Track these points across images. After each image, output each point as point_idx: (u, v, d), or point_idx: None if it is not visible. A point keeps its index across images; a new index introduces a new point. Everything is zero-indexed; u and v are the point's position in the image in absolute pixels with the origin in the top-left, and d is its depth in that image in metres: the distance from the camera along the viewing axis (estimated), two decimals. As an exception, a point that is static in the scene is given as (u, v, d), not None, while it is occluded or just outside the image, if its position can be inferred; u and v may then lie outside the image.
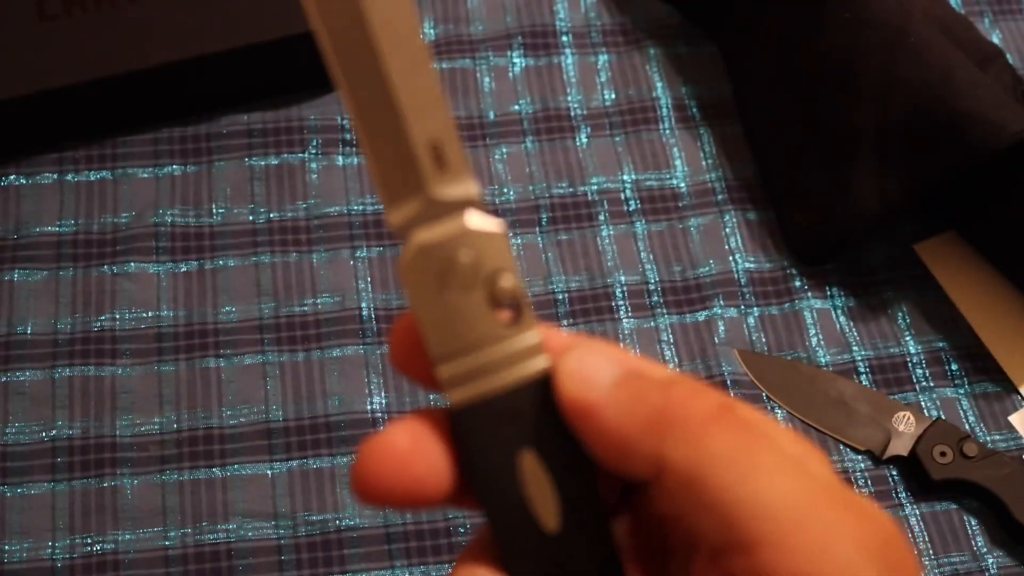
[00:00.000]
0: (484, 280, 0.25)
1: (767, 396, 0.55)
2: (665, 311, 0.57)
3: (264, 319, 0.56)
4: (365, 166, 0.22)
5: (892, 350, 0.56)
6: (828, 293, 0.58)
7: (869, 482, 0.53)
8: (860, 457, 0.54)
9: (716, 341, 0.56)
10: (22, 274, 0.56)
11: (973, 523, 0.52)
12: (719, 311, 0.57)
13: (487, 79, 0.63)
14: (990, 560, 0.52)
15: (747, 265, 0.58)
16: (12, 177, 0.59)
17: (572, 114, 0.62)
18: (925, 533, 0.52)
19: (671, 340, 0.56)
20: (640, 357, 0.28)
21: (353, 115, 0.24)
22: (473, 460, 0.26)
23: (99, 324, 0.55)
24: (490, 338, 0.25)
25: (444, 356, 0.25)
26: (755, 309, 0.57)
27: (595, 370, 0.26)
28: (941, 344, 0.57)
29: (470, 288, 0.25)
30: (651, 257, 0.58)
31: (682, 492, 0.25)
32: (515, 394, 0.26)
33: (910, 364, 0.56)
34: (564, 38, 0.64)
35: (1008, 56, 0.63)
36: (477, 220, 0.25)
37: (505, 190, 0.60)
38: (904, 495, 0.53)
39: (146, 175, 0.59)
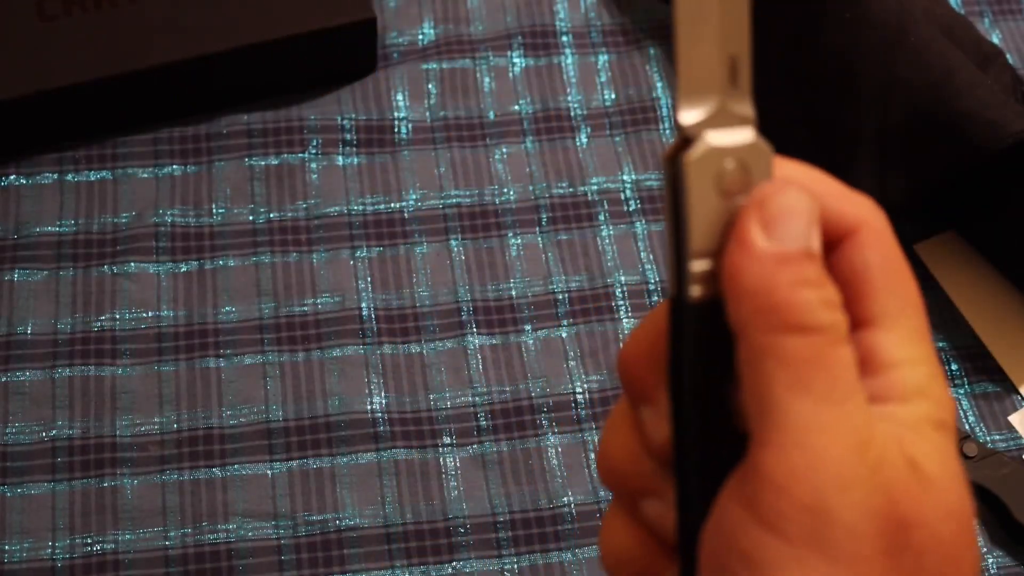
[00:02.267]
0: (750, 192, 0.27)
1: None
2: (665, 311, 0.57)
3: (264, 319, 0.56)
4: (675, 62, 0.25)
5: (892, 350, 0.56)
6: (828, 293, 0.58)
7: (869, 482, 0.53)
8: (860, 457, 0.54)
9: (716, 341, 0.56)
10: (22, 274, 0.56)
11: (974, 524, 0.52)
12: (719, 311, 0.57)
13: (487, 79, 0.63)
14: (990, 560, 0.52)
15: (747, 265, 0.58)
16: (12, 177, 0.59)
17: (572, 114, 0.62)
18: (925, 533, 0.52)
19: (671, 340, 0.56)
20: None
21: (677, 18, 0.27)
22: (685, 357, 0.28)
23: (99, 324, 0.55)
24: None
25: (701, 252, 0.27)
26: (755, 309, 0.57)
27: (779, 219, 0.27)
28: (941, 344, 0.57)
29: (738, 196, 0.27)
30: (651, 257, 0.58)
31: (743, 367, 0.27)
32: None
33: (910, 364, 0.56)
34: (564, 38, 0.64)
35: (1008, 56, 0.63)
36: (757, 138, 0.28)
37: (505, 190, 0.60)
38: (904, 495, 0.53)
39: (146, 175, 0.59)
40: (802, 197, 0.27)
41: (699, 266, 0.27)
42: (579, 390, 0.55)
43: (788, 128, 0.59)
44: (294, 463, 0.52)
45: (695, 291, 0.27)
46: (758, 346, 0.26)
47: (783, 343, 0.26)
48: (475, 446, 0.53)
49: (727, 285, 0.27)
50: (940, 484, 0.26)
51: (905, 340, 0.28)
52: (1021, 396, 0.55)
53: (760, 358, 0.26)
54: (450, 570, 0.51)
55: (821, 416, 0.25)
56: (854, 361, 0.26)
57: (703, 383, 0.28)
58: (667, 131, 0.62)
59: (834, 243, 0.28)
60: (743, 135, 0.28)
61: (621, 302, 0.57)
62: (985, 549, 0.52)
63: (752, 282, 0.26)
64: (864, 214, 0.29)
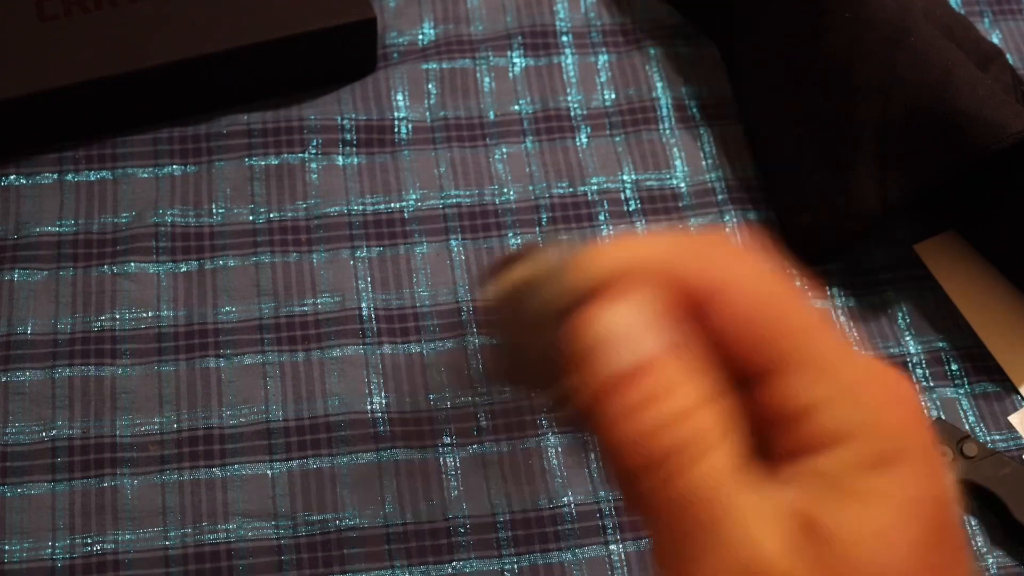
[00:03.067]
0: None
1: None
2: (665, 311, 0.57)
3: (264, 319, 0.56)
4: None
5: (892, 350, 0.56)
6: (828, 293, 0.58)
7: (869, 482, 0.53)
8: (860, 457, 0.54)
9: (716, 341, 0.56)
10: (22, 274, 0.56)
11: (973, 523, 0.52)
12: (719, 311, 0.57)
13: (487, 79, 0.63)
14: (990, 560, 0.52)
15: (747, 265, 0.58)
16: (12, 177, 0.59)
17: (572, 114, 0.62)
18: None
19: (671, 340, 0.56)
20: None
21: None
22: None
23: (99, 324, 0.55)
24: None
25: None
26: (755, 309, 0.57)
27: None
28: (941, 344, 0.57)
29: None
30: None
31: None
32: None
33: (910, 364, 0.56)
34: (564, 38, 0.64)
35: (1008, 56, 0.63)
36: None
37: (505, 190, 0.60)
38: (904, 495, 0.53)
39: (146, 175, 0.59)
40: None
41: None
42: (579, 390, 0.55)
43: (788, 128, 0.59)
44: (294, 463, 0.52)
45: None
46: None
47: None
48: (475, 446, 0.53)
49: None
50: (850, 549, 0.26)
51: (815, 379, 0.28)
52: (1021, 396, 0.55)
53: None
54: (450, 570, 0.51)
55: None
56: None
57: None
58: (667, 131, 0.62)
59: (701, 306, 0.28)
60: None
61: (621, 302, 0.57)
62: (985, 549, 0.52)
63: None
64: (719, 277, 0.29)
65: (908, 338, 0.57)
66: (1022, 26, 0.65)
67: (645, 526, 0.27)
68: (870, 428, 0.27)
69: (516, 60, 0.64)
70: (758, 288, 0.29)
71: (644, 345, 0.27)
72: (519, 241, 0.59)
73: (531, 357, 0.28)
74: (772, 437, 0.28)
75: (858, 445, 0.27)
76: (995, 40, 0.65)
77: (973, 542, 0.52)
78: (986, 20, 0.66)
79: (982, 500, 0.53)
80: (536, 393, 0.27)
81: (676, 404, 0.27)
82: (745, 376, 0.29)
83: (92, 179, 0.59)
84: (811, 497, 0.26)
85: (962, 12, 0.65)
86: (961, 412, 0.55)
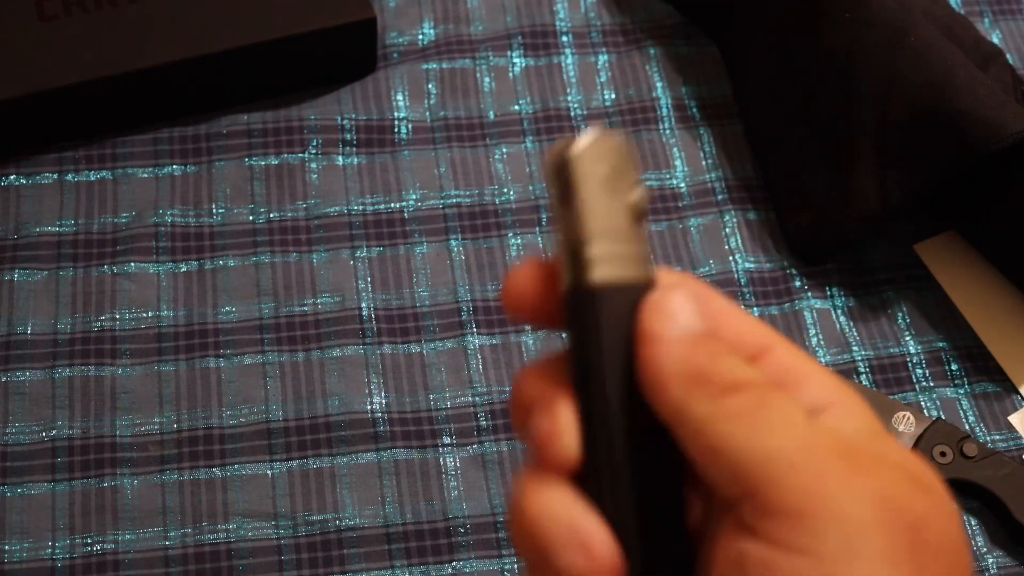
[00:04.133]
0: (632, 186, 0.29)
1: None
2: (665, 311, 0.57)
3: (264, 319, 0.56)
4: None
5: (892, 350, 0.56)
6: (828, 293, 0.58)
7: (869, 482, 0.53)
8: (860, 457, 0.54)
9: (716, 341, 0.56)
10: (22, 274, 0.56)
11: (973, 523, 0.52)
12: (719, 311, 0.57)
13: (487, 79, 0.63)
14: (990, 560, 0.52)
15: (747, 265, 0.58)
16: (12, 177, 0.59)
17: (572, 114, 0.62)
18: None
19: (671, 340, 0.56)
20: (735, 312, 0.30)
21: None
22: (593, 341, 0.28)
23: (99, 324, 0.55)
24: (630, 236, 0.29)
25: (597, 234, 0.29)
26: (755, 309, 0.57)
27: (677, 313, 0.28)
28: (941, 344, 0.57)
29: (624, 189, 0.29)
30: (651, 257, 0.58)
31: (695, 443, 0.28)
32: (641, 290, 0.29)
33: (910, 364, 0.56)
34: (564, 38, 0.64)
35: (1008, 56, 0.63)
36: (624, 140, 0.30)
37: (505, 190, 0.60)
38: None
39: (146, 175, 0.59)
40: (686, 291, 0.29)
41: (598, 249, 0.28)
42: (579, 390, 0.55)
43: (788, 128, 0.59)
44: (294, 463, 0.52)
45: (597, 274, 0.28)
46: (703, 416, 0.27)
47: (727, 404, 0.27)
48: (475, 446, 0.53)
49: (649, 381, 0.28)
50: (931, 485, 0.27)
51: (796, 349, 0.30)
52: (1021, 396, 0.55)
53: (710, 425, 0.27)
54: (450, 570, 0.51)
55: (794, 445, 0.27)
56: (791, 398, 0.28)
57: (620, 368, 0.28)
58: (667, 131, 0.62)
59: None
60: (615, 137, 0.29)
61: (621, 302, 0.57)
62: (985, 549, 0.52)
63: (677, 365, 0.28)
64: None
65: (908, 338, 0.57)
66: (1022, 26, 0.65)
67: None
68: (857, 403, 0.29)
69: (516, 60, 0.64)
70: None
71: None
72: (519, 241, 0.59)
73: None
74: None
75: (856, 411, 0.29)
76: (995, 40, 0.65)
77: (973, 542, 0.52)
78: (986, 20, 0.66)
79: (982, 500, 0.53)
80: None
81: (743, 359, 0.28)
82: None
83: (92, 179, 0.59)
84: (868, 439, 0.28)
85: (962, 12, 0.65)
86: (961, 412, 0.55)
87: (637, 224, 0.29)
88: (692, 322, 0.28)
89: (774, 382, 0.29)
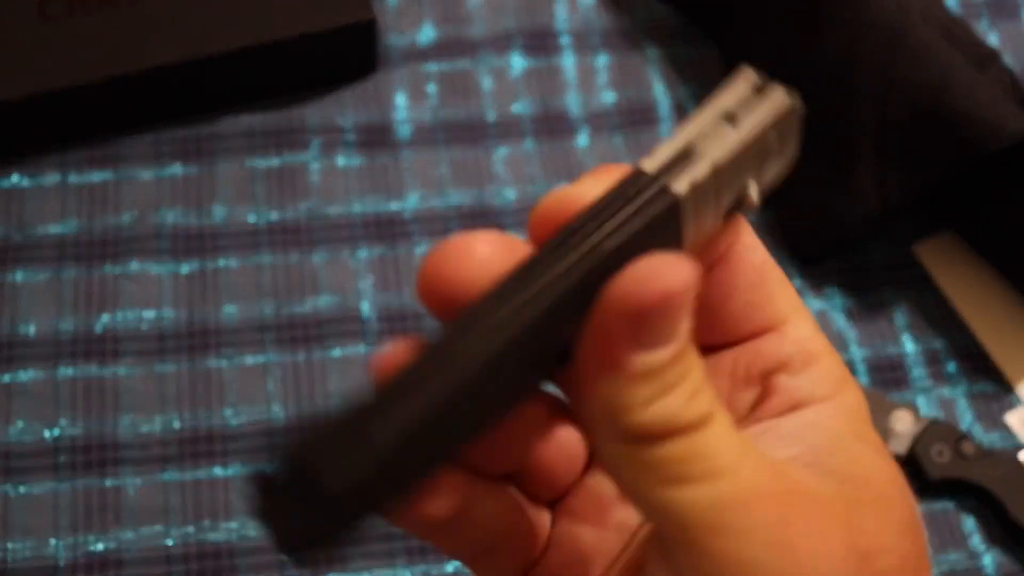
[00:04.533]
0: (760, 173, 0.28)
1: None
2: (664, 311, 0.57)
3: (265, 319, 0.56)
4: None
5: (890, 350, 0.57)
6: (826, 293, 0.58)
7: (867, 481, 0.54)
8: (858, 456, 0.54)
9: (715, 341, 0.56)
10: (25, 274, 0.56)
11: (970, 522, 0.53)
12: (718, 311, 0.57)
13: (487, 79, 0.63)
14: (987, 559, 0.52)
15: (746, 265, 0.59)
16: (14, 178, 0.59)
17: (572, 115, 0.62)
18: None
19: (670, 340, 0.56)
20: (760, 275, 0.28)
21: None
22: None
23: (101, 324, 0.55)
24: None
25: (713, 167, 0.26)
26: (754, 309, 0.57)
27: (658, 323, 0.24)
28: (939, 344, 0.57)
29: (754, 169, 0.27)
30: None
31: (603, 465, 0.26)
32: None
33: (908, 364, 0.56)
34: (564, 38, 0.65)
35: (1006, 58, 0.64)
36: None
37: (505, 191, 0.60)
38: (902, 494, 0.53)
39: (148, 176, 0.59)
40: (678, 286, 0.24)
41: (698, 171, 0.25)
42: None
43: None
44: (295, 462, 0.53)
45: (681, 185, 0.25)
46: (620, 457, 0.25)
47: (650, 453, 0.24)
48: (475, 445, 0.54)
49: (583, 394, 0.25)
50: (886, 494, 0.26)
51: (816, 330, 0.29)
52: (1018, 396, 0.56)
53: (626, 468, 0.25)
54: (450, 569, 0.51)
55: (719, 500, 0.24)
56: (731, 425, 0.25)
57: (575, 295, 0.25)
58: (667, 131, 0.62)
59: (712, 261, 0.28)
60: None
61: (620, 302, 0.57)
62: (982, 548, 0.52)
63: (609, 403, 0.24)
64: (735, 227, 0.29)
65: (906, 338, 0.57)
66: (1020, 27, 0.65)
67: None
68: (855, 384, 0.28)
69: (516, 61, 0.64)
70: (760, 243, 0.29)
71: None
72: (519, 241, 0.59)
73: None
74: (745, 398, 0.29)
75: (857, 393, 0.28)
76: (993, 41, 0.65)
77: (970, 541, 0.52)
78: (984, 22, 0.66)
79: (979, 499, 0.53)
80: None
81: (696, 376, 0.25)
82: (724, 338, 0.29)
83: (94, 180, 0.59)
84: (831, 448, 0.27)
85: (960, 14, 0.65)
86: (958, 412, 0.55)
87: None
88: (661, 340, 0.24)
89: (778, 337, 0.28)
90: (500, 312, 0.24)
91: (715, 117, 0.26)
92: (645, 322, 0.24)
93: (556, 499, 0.30)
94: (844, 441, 0.27)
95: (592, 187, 0.26)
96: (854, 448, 0.27)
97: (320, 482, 0.22)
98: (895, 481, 0.27)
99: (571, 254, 0.24)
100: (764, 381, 0.29)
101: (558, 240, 0.24)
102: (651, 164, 0.25)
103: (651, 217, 0.25)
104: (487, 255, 0.25)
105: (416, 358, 0.23)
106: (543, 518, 0.30)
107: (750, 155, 0.27)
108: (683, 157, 0.26)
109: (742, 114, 0.26)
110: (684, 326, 0.24)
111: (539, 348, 0.25)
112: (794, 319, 0.29)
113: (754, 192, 0.27)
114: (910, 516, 0.26)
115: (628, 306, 0.24)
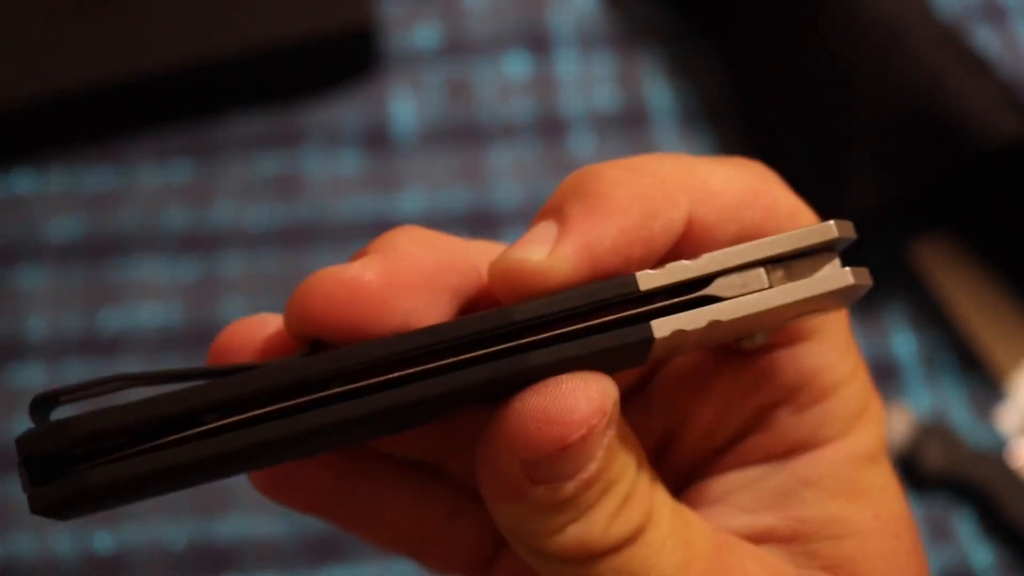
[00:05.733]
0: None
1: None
2: (662, 311, 0.58)
3: (266, 319, 0.56)
4: None
5: (885, 349, 0.57)
6: (823, 293, 0.58)
7: (862, 480, 0.54)
8: (853, 455, 0.54)
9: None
10: (28, 274, 0.57)
11: (963, 521, 0.53)
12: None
13: (487, 80, 0.63)
14: (979, 558, 0.52)
15: (743, 265, 0.59)
16: (19, 178, 0.59)
17: (571, 116, 0.63)
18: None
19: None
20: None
21: None
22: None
23: (104, 324, 0.56)
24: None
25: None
26: (751, 309, 0.58)
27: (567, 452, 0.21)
28: (934, 343, 0.57)
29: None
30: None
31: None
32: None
33: (902, 363, 0.57)
34: (564, 39, 0.65)
35: (999, 62, 0.64)
36: None
37: (505, 191, 0.60)
38: (896, 493, 0.54)
39: (151, 176, 0.60)
40: (580, 425, 0.20)
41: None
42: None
43: (786, 128, 0.59)
44: (295, 461, 0.53)
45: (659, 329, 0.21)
46: (544, 571, 0.22)
47: (573, 574, 0.21)
48: (473, 444, 0.54)
49: (488, 509, 0.22)
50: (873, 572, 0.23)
51: (844, 352, 0.25)
52: (1012, 395, 0.56)
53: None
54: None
55: None
56: (670, 531, 0.22)
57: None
58: (667, 131, 0.62)
59: None
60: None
61: (618, 302, 0.58)
62: (976, 548, 0.52)
63: (517, 529, 0.22)
64: None
65: (900, 337, 0.57)
66: (1013, 32, 0.66)
67: None
68: (876, 414, 0.25)
69: (516, 62, 0.64)
70: None
71: None
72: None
73: None
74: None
75: (870, 432, 0.25)
76: (987, 46, 0.65)
77: (964, 540, 0.53)
78: (979, 26, 0.66)
79: (973, 500, 0.53)
80: None
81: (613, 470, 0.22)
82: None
83: (98, 180, 0.60)
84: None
85: (955, 17, 0.65)
86: (953, 411, 0.55)
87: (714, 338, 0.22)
88: (569, 472, 0.21)
89: (793, 355, 0.23)
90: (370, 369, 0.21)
91: (757, 258, 0.22)
92: (539, 464, 0.21)
93: None
94: (835, 508, 0.24)
95: (563, 265, 0.21)
96: (846, 517, 0.24)
97: (69, 424, 0.22)
98: (891, 564, 0.24)
99: (497, 345, 0.21)
100: (762, 412, 0.25)
101: (496, 318, 0.21)
102: (648, 281, 0.21)
103: (611, 347, 0.21)
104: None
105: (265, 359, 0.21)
106: (486, 517, 0.27)
107: (773, 319, 0.22)
108: (692, 287, 0.22)
109: (791, 273, 0.22)
110: (599, 452, 0.21)
111: (400, 419, 0.21)
112: (823, 337, 0.25)
113: (761, 340, 0.23)
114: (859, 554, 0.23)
115: (520, 448, 0.20)
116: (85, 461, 0.21)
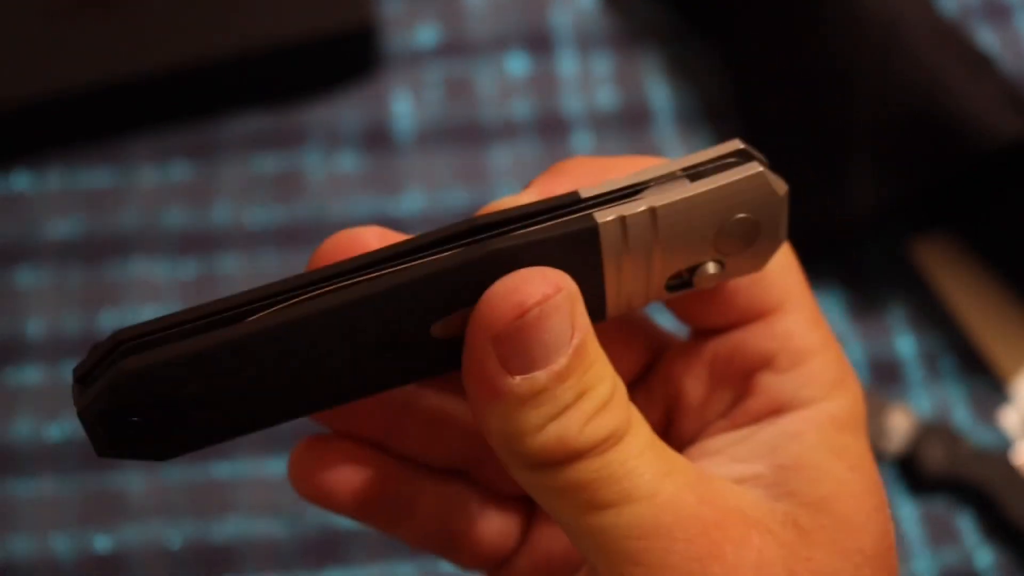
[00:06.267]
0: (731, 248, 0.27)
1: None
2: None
3: (266, 319, 0.56)
4: None
5: (886, 349, 0.57)
6: (822, 292, 0.58)
7: (863, 480, 0.54)
8: (854, 455, 0.54)
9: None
10: (28, 274, 0.57)
11: (965, 521, 0.53)
12: (716, 311, 0.57)
13: (487, 80, 0.63)
14: (981, 558, 0.52)
15: (744, 265, 0.59)
16: (19, 178, 0.59)
17: (571, 115, 0.63)
18: (917, 532, 0.53)
19: (668, 339, 0.57)
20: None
21: None
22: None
23: (104, 323, 0.56)
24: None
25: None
26: (751, 309, 0.58)
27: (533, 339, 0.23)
28: (935, 343, 0.57)
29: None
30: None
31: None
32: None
33: (904, 363, 0.57)
34: (564, 38, 0.65)
35: (1000, 61, 0.64)
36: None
37: (505, 191, 0.60)
38: (897, 494, 0.54)
39: (150, 176, 0.60)
40: (537, 299, 0.23)
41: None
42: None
43: (786, 128, 0.60)
44: (295, 461, 0.53)
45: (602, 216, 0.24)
46: (532, 484, 0.24)
47: (556, 479, 0.23)
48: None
49: (479, 422, 0.24)
50: (850, 521, 0.24)
51: (813, 323, 0.27)
52: (1014, 395, 0.56)
53: (542, 495, 0.24)
54: (451, 568, 0.51)
55: (638, 527, 0.23)
56: (648, 443, 0.24)
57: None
58: (667, 131, 0.62)
59: None
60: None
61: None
62: (977, 548, 0.52)
63: (502, 431, 0.23)
64: None
65: (902, 337, 0.57)
66: (1015, 31, 0.66)
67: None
68: (851, 386, 0.26)
69: (516, 62, 0.64)
70: None
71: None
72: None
73: None
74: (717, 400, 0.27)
75: (844, 401, 0.26)
76: (988, 44, 0.65)
77: (965, 540, 0.53)
78: (979, 25, 0.66)
79: (974, 499, 0.53)
80: None
81: (602, 390, 0.24)
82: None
83: (97, 180, 0.60)
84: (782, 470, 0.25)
85: (956, 16, 0.65)
86: (954, 411, 0.55)
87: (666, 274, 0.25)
88: (541, 357, 0.23)
89: (764, 327, 0.26)
90: (363, 272, 0.24)
91: (677, 170, 0.25)
92: (509, 343, 0.22)
93: (528, 497, 0.29)
94: (815, 457, 0.25)
95: (531, 198, 0.25)
96: (825, 467, 0.25)
97: (124, 362, 0.24)
98: (863, 506, 0.25)
99: (465, 241, 0.24)
100: (746, 378, 0.27)
101: (460, 227, 0.24)
102: (588, 192, 0.24)
103: (559, 235, 0.24)
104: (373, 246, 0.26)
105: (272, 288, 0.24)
106: (511, 516, 0.30)
107: (704, 221, 0.25)
108: (626, 195, 0.24)
109: (706, 175, 0.25)
110: (570, 339, 0.23)
111: (405, 321, 0.24)
112: (789, 308, 0.27)
113: (712, 270, 0.26)
114: (874, 545, 0.25)
115: (487, 327, 0.23)
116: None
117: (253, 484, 0.53)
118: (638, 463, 0.23)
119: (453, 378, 0.25)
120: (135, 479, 0.52)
